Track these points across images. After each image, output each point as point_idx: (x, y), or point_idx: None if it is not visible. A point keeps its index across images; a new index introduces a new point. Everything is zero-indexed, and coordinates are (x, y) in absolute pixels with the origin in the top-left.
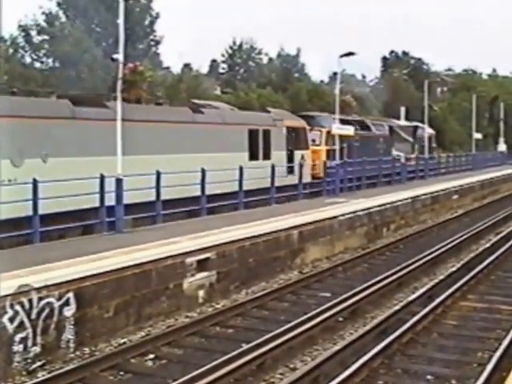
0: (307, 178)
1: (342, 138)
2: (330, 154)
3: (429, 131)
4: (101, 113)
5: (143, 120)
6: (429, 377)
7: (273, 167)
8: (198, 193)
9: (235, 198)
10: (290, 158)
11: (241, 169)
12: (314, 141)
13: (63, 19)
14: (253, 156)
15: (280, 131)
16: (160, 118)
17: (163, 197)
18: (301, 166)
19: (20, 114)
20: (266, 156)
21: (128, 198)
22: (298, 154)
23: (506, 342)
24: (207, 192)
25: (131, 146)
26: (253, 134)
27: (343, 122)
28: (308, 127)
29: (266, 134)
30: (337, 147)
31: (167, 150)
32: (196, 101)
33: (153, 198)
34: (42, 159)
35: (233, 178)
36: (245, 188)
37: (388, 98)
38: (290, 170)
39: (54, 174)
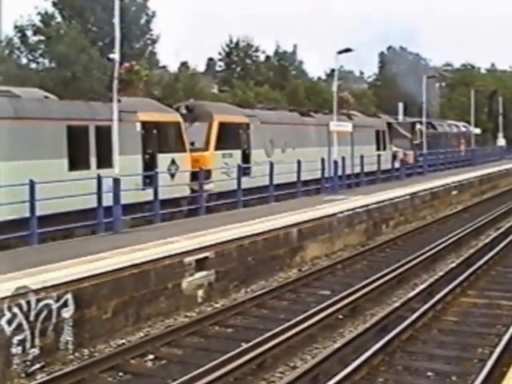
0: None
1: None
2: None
3: (473, 130)
4: (311, 120)
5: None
6: (429, 373)
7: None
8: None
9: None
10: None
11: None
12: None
13: (59, 19)
14: (377, 148)
15: (388, 131)
16: None
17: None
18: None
19: (283, 122)
20: (384, 148)
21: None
22: None
23: (506, 338)
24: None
25: (318, 141)
26: (377, 133)
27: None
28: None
29: (384, 133)
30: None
31: (339, 143)
32: (345, 111)
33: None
34: (292, 149)
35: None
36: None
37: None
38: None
39: (296, 158)
